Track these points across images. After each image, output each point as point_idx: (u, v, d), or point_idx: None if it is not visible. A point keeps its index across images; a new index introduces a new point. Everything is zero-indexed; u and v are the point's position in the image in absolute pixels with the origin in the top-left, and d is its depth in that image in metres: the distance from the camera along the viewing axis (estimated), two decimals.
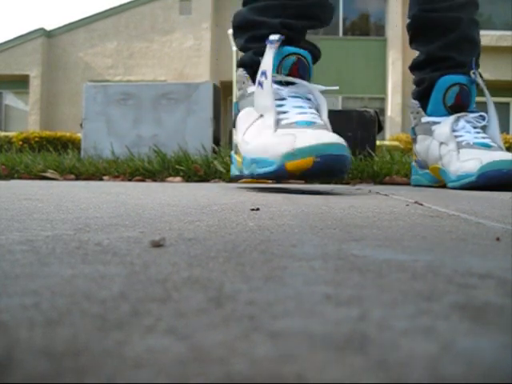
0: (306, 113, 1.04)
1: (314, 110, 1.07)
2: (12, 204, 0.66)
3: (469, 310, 0.19)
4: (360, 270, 0.26)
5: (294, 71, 1.12)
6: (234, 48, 9.02)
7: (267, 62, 1.09)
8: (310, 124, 1.00)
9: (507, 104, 9.97)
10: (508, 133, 8.99)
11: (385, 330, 0.16)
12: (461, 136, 1.35)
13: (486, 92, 1.42)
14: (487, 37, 9.37)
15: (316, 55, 1.21)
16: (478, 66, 1.48)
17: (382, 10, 10.38)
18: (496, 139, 1.35)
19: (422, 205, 0.72)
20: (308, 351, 0.15)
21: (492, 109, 1.41)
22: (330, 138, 0.93)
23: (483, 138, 1.34)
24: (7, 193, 0.91)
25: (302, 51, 1.14)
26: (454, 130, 1.36)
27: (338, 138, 0.93)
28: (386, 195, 0.98)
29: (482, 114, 1.41)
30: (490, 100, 1.42)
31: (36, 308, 0.19)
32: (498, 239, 0.38)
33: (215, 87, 2.91)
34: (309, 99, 1.10)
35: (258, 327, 0.17)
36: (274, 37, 1.11)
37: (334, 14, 1.27)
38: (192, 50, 10.67)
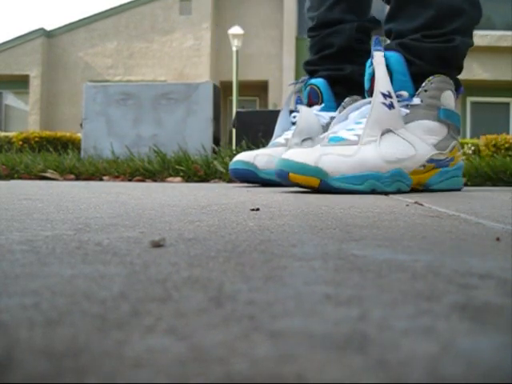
0: None
1: None
2: (12, 204, 0.66)
3: (469, 310, 0.19)
4: (360, 270, 0.26)
5: None
6: (234, 48, 9.03)
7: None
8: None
9: (507, 104, 9.98)
10: (508, 133, 8.99)
11: (385, 330, 0.16)
12: (334, 129, 1.19)
13: (379, 68, 1.11)
14: (487, 37, 9.37)
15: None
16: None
17: (383, 10, 10.35)
18: (369, 125, 1.08)
19: (421, 205, 0.72)
20: (308, 351, 0.15)
21: (377, 91, 1.10)
22: None
23: (350, 129, 1.12)
24: (7, 193, 0.91)
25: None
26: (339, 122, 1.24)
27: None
28: (386, 195, 0.98)
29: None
30: (380, 79, 1.10)
31: (36, 308, 0.19)
32: (497, 239, 0.38)
33: (215, 87, 2.91)
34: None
35: (257, 327, 0.17)
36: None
37: None
38: (192, 50, 10.67)
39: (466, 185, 1.80)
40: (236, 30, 8.97)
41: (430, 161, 1.11)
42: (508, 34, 9.46)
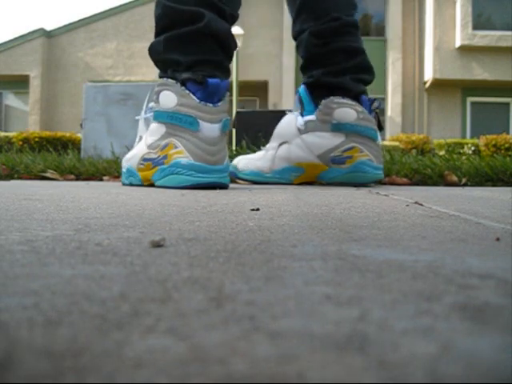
0: None
1: None
2: (12, 204, 0.66)
3: (469, 310, 0.19)
4: (360, 270, 0.26)
5: None
6: None
7: None
8: None
9: (507, 104, 9.97)
10: (508, 133, 8.98)
11: (385, 330, 0.16)
12: None
13: None
14: (487, 37, 9.37)
15: None
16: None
17: (382, 10, 10.38)
18: None
19: (422, 205, 0.72)
20: (308, 351, 0.15)
21: None
22: None
23: None
24: (7, 193, 0.91)
25: None
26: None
27: None
28: (386, 195, 0.98)
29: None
30: None
31: (36, 308, 0.19)
32: (497, 239, 0.38)
33: None
34: None
35: (258, 327, 0.17)
36: None
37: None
38: None
39: (465, 185, 1.80)
40: (236, 30, 8.97)
41: (145, 159, 1.25)
42: (508, 34, 9.45)
